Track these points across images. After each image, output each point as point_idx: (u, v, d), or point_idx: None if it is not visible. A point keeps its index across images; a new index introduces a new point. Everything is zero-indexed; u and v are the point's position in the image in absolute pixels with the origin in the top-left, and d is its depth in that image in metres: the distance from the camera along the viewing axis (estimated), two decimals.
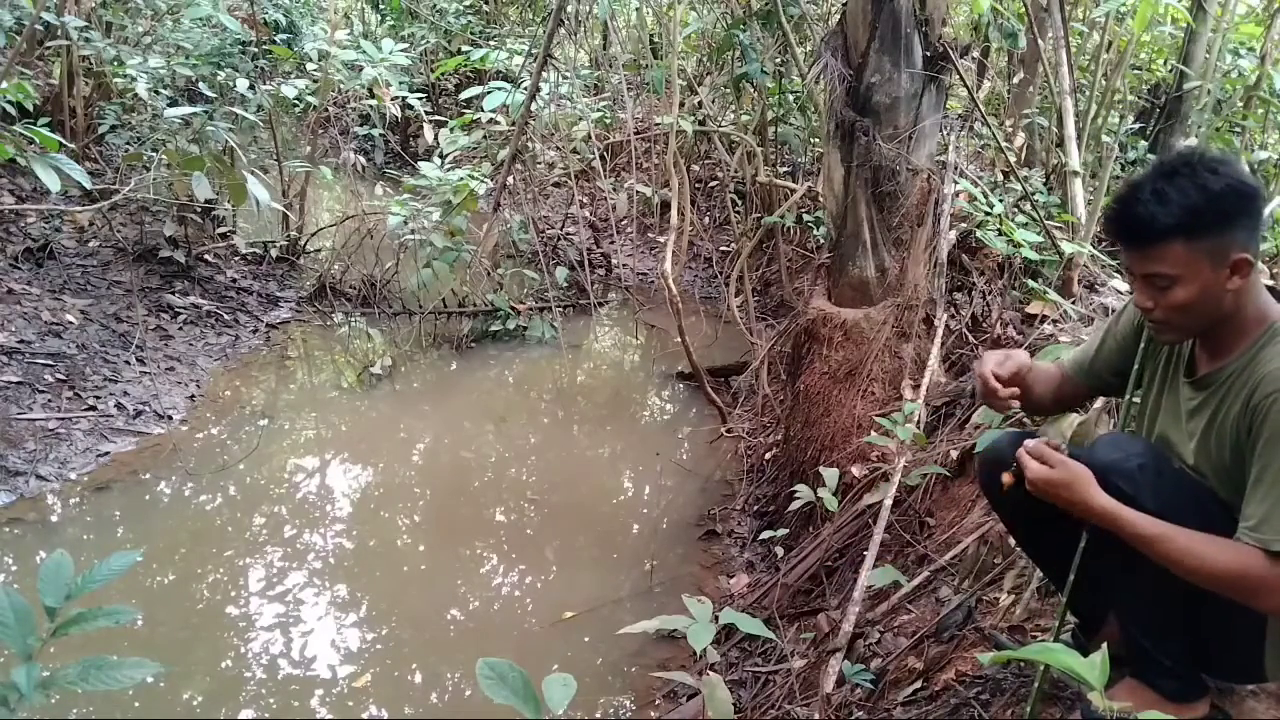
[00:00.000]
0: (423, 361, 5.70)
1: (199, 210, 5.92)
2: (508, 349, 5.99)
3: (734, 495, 4.36)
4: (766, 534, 3.58)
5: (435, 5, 9.48)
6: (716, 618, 1.95)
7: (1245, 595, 1.44)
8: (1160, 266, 1.52)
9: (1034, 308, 3.76)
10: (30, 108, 5.44)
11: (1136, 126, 5.89)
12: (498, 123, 6.05)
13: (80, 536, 3.65)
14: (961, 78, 4.03)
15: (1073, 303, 3.76)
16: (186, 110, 5.33)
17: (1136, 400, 1.86)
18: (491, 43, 8.16)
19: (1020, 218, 4.22)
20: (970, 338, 3.99)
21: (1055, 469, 1.55)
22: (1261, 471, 1.44)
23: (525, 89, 5.28)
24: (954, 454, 3.08)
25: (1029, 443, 1.62)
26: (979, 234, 4.04)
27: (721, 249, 7.24)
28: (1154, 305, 1.56)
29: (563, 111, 6.74)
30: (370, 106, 7.47)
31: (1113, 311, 3.77)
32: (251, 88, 6.01)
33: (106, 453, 4.18)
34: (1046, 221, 4.03)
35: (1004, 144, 4.54)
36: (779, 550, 3.58)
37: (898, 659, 2.43)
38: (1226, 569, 1.43)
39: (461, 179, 5.58)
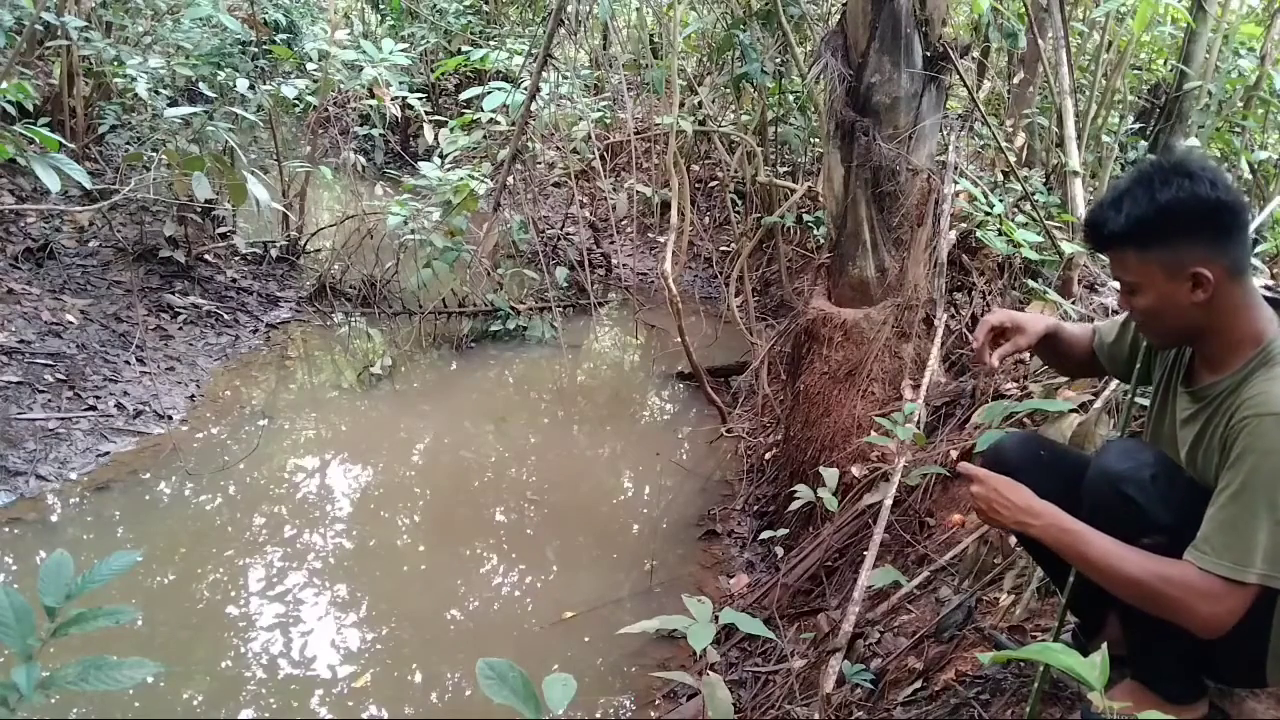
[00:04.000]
0: (423, 361, 5.70)
1: (199, 210, 5.92)
2: (508, 349, 5.99)
3: (734, 495, 4.36)
4: (766, 534, 3.58)
5: (435, 5, 9.48)
6: (716, 618, 1.95)
7: (1166, 606, 1.42)
8: (1120, 272, 1.55)
9: (1034, 308, 3.76)
10: (30, 108, 5.44)
11: (1136, 126, 5.89)
12: (498, 123, 6.05)
13: (80, 536, 3.65)
14: (961, 78, 4.03)
15: (1073, 303, 3.76)
16: (186, 110, 5.33)
17: (1142, 401, 1.85)
18: (491, 43, 8.16)
19: (1020, 218, 4.23)
20: (970, 338, 3.98)
21: (983, 482, 1.61)
22: (1219, 492, 1.43)
23: (525, 89, 5.29)
24: (954, 454, 3.08)
25: (960, 466, 1.68)
26: (979, 234, 4.04)
27: (721, 249, 7.24)
28: (1128, 308, 1.60)
29: (563, 111, 6.74)
30: (370, 106, 7.46)
31: (1113, 311, 3.78)
32: (251, 88, 6.01)
33: (106, 453, 4.18)
34: (1046, 221, 4.03)
35: (1004, 144, 4.54)
36: (779, 550, 3.58)
37: (898, 659, 2.43)
38: (1148, 576, 1.43)
39: (461, 179, 5.58)
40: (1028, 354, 3.43)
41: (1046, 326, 1.91)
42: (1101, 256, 4.06)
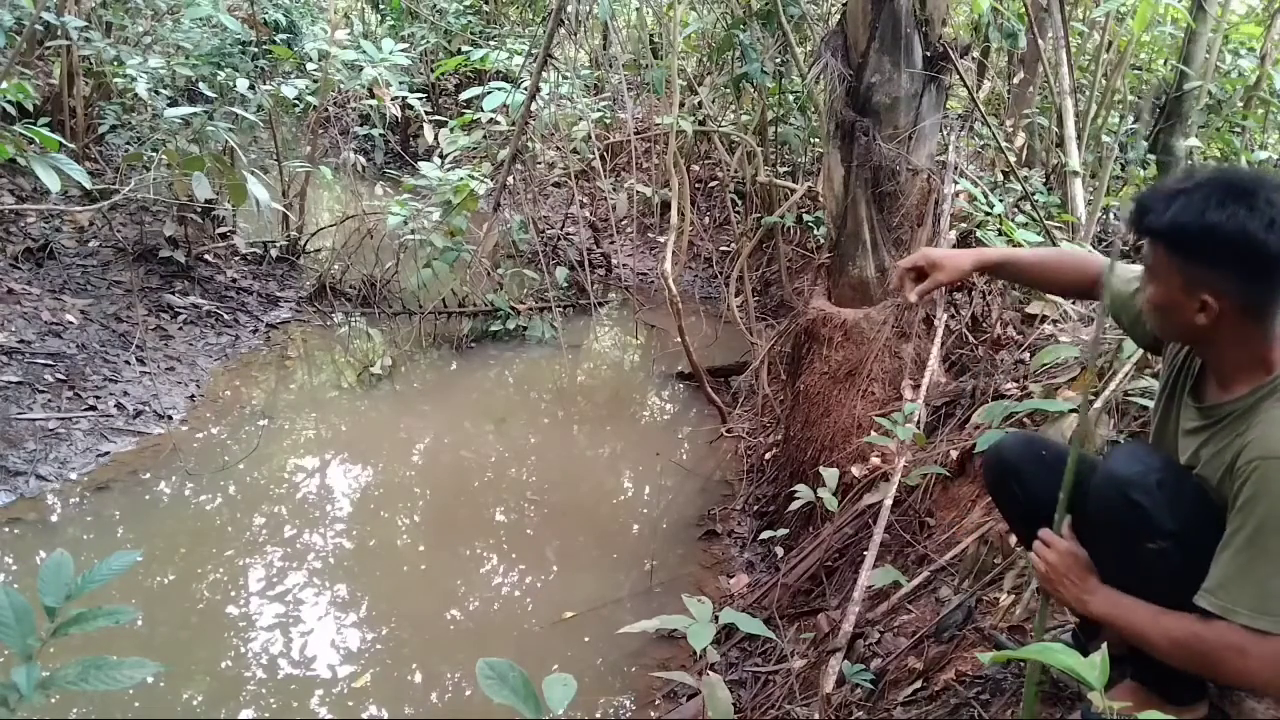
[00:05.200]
0: (423, 361, 5.69)
1: (199, 210, 5.92)
2: (508, 349, 5.99)
3: (734, 495, 4.36)
4: (766, 534, 3.59)
5: (435, 5, 9.48)
6: (716, 618, 1.95)
7: (1202, 662, 1.41)
8: (1147, 256, 1.54)
9: (1034, 308, 3.76)
10: (30, 108, 5.44)
11: (1136, 126, 5.89)
12: (498, 123, 6.06)
13: (80, 536, 3.64)
14: (961, 78, 4.03)
15: (1072, 302, 3.76)
16: (186, 110, 5.33)
17: (1145, 402, 1.84)
18: (491, 43, 8.16)
19: (1020, 218, 4.23)
20: (970, 338, 3.99)
21: (1057, 554, 1.59)
22: (1230, 536, 1.41)
23: (525, 89, 5.28)
24: (954, 454, 3.08)
25: (1042, 532, 1.63)
26: (979, 234, 4.04)
27: (721, 249, 7.24)
28: (1144, 289, 1.57)
29: (563, 111, 6.74)
30: (370, 106, 7.46)
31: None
32: (251, 88, 6.01)
33: (106, 453, 4.18)
34: (1046, 221, 4.03)
35: (1004, 144, 4.54)
36: (779, 550, 3.58)
37: (898, 659, 2.43)
38: (1178, 638, 1.42)
39: (461, 179, 5.58)
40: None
41: (975, 262, 1.98)
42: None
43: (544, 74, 5.25)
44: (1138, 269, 1.81)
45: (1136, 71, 6.45)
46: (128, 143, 6.10)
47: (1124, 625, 1.51)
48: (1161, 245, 1.48)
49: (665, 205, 6.34)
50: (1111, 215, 6.32)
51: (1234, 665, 1.38)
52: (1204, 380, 1.60)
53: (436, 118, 7.57)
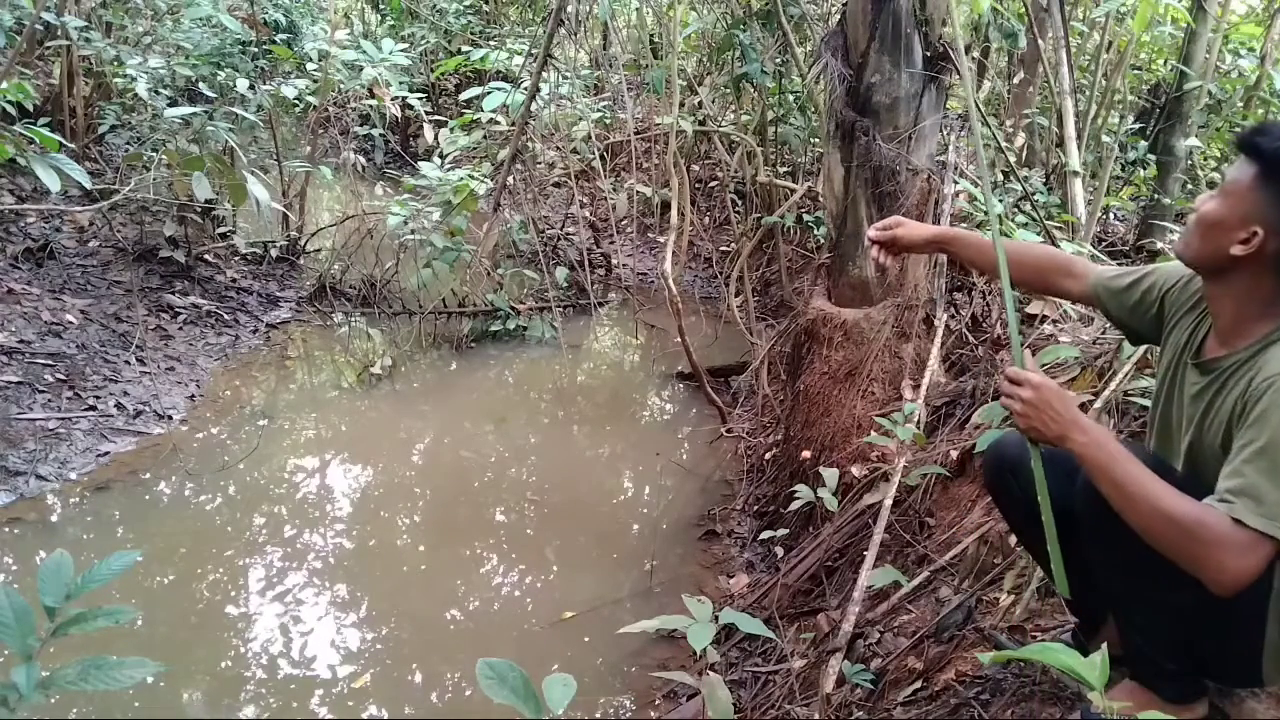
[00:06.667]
0: (423, 361, 5.69)
1: (199, 210, 5.92)
2: (508, 349, 5.99)
3: (734, 495, 4.36)
4: (766, 534, 3.58)
5: (435, 5, 9.48)
6: (716, 618, 1.95)
7: (1191, 552, 1.38)
8: (1229, 174, 1.53)
9: (1034, 308, 3.76)
10: (30, 108, 5.44)
11: (1136, 126, 5.89)
12: (498, 123, 6.05)
13: (80, 536, 3.64)
14: (962, 78, 4.03)
15: (1072, 301, 3.76)
16: (186, 110, 5.33)
17: (1143, 402, 1.84)
18: (491, 43, 8.16)
19: (1020, 218, 4.23)
20: (970, 338, 3.99)
21: (1030, 389, 1.54)
22: (1243, 448, 1.41)
23: (525, 89, 5.28)
24: (954, 454, 3.08)
25: (1009, 370, 1.60)
26: (979, 234, 4.04)
27: (721, 249, 7.24)
28: (1202, 203, 1.56)
29: (563, 111, 6.74)
30: (370, 106, 7.46)
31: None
32: (251, 88, 6.01)
33: (106, 453, 4.18)
34: (1046, 221, 4.03)
35: (1004, 144, 4.54)
36: (779, 550, 3.58)
37: (898, 659, 2.43)
38: (1184, 516, 1.37)
39: (461, 179, 5.58)
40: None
41: (935, 232, 2.17)
42: (1104, 259, 4.05)
43: (544, 74, 5.25)
44: (1118, 269, 1.88)
45: (1136, 71, 6.45)
46: (128, 143, 6.10)
47: (1112, 475, 1.44)
48: (1257, 167, 1.48)
49: (665, 205, 6.34)
50: (1111, 215, 6.32)
51: (1224, 562, 1.35)
52: (1205, 346, 1.62)
53: (436, 118, 7.58)
